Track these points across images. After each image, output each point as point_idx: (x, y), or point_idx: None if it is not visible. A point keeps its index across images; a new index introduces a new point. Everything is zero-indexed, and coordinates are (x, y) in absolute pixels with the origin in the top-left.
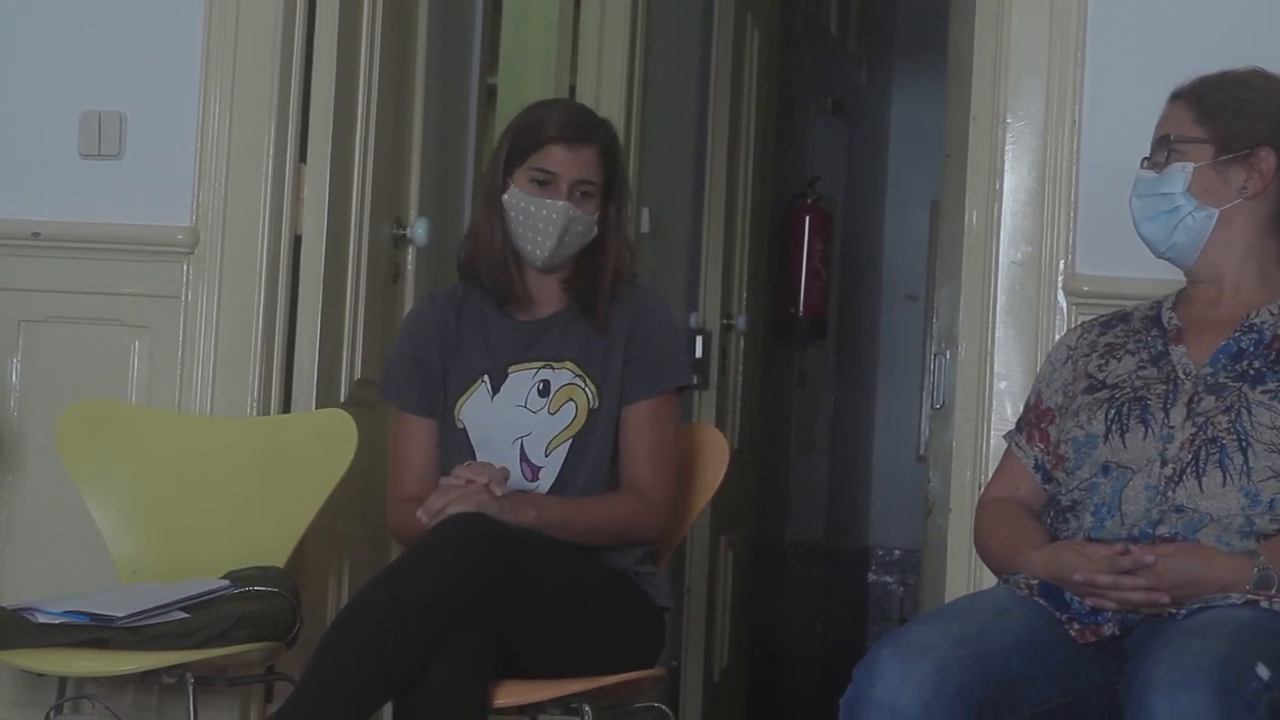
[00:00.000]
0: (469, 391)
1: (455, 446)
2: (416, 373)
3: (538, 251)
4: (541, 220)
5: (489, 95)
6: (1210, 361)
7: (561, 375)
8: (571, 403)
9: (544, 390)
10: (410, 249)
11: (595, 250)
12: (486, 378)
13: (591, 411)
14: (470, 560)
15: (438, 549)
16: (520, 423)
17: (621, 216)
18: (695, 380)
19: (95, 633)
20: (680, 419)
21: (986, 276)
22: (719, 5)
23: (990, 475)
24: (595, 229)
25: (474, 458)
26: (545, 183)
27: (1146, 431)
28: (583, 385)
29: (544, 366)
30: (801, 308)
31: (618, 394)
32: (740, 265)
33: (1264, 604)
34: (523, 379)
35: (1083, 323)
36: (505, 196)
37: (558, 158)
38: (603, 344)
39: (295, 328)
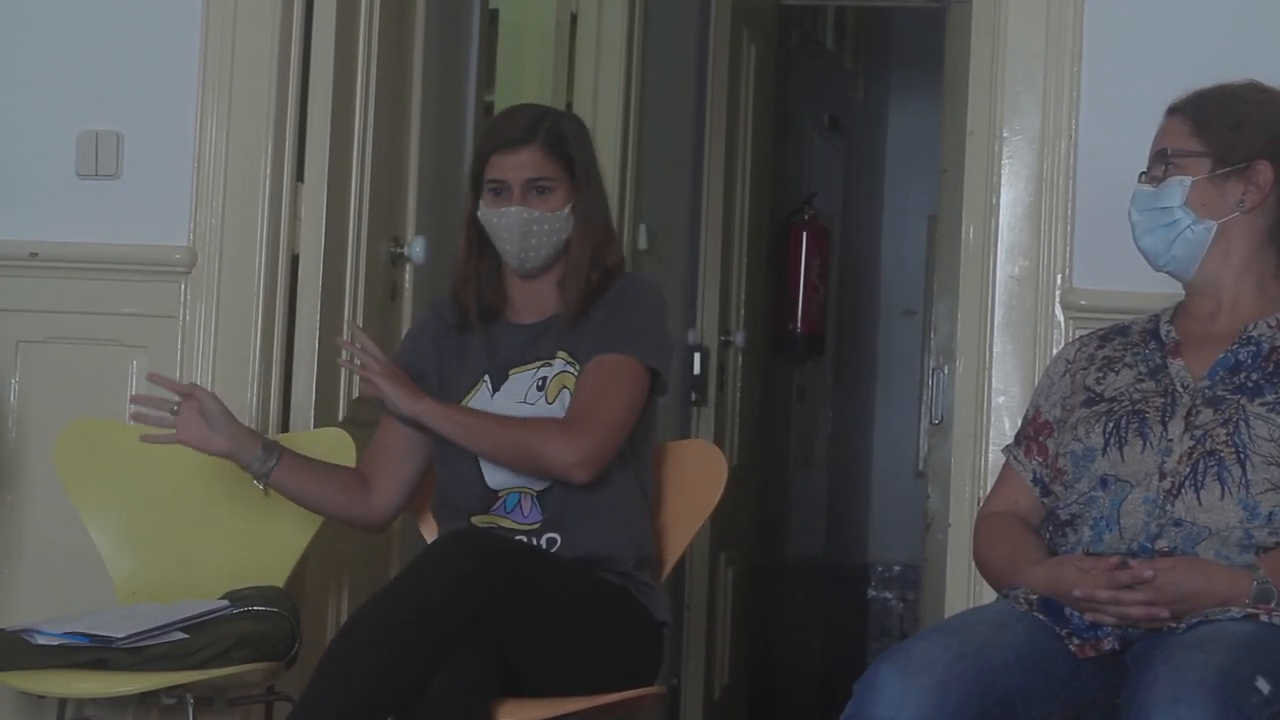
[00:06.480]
0: (471, 392)
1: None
2: None
3: (511, 260)
4: (505, 230)
5: (486, 112)
6: (1208, 374)
7: (555, 366)
8: (566, 390)
9: (542, 386)
10: (408, 267)
11: (574, 243)
12: (488, 378)
13: None
14: (467, 570)
15: (434, 562)
16: (519, 414)
17: (591, 206)
18: (664, 375)
19: (95, 654)
20: (637, 393)
21: (984, 291)
22: (715, 21)
23: (989, 490)
24: (568, 223)
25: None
26: (499, 192)
27: (1145, 445)
28: (574, 371)
29: (542, 365)
30: (799, 323)
31: None
32: (738, 281)
33: (1264, 618)
34: (524, 379)
35: (1081, 336)
36: (479, 214)
37: (501, 165)
38: (591, 330)
39: (293, 347)
